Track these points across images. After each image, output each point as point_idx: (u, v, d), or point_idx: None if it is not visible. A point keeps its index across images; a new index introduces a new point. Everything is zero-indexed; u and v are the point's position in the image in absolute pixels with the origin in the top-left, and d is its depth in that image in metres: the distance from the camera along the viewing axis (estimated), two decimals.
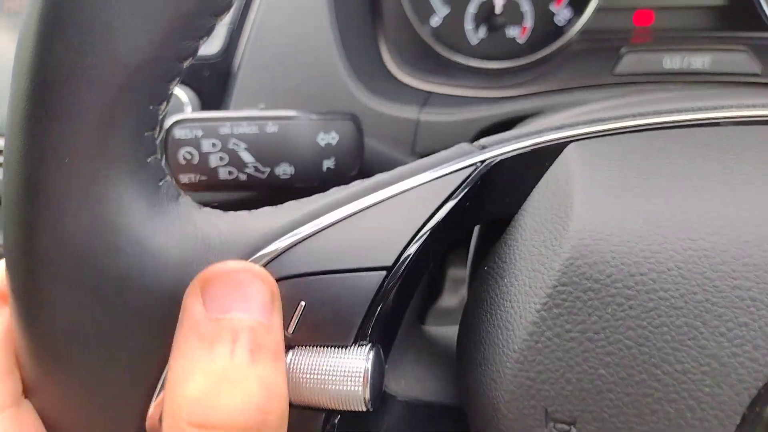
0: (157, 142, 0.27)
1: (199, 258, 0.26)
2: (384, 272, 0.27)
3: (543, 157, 0.30)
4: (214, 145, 0.39)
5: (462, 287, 0.58)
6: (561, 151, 0.30)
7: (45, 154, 0.24)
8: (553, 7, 0.60)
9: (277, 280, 0.27)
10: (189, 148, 0.39)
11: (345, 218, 0.28)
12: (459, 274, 0.58)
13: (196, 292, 0.25)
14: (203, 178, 0.40)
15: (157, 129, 0.26)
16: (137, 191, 0.25)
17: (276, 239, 0.27)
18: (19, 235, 0.25)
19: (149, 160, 0.26)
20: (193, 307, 0.25)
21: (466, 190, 0.29)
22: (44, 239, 0.25)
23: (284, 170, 0.40)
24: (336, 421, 0.27)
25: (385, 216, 0.28)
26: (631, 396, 0.23)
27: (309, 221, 0.27)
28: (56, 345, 0.26)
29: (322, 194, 0.29)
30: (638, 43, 0.59)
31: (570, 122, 0.31)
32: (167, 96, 0.26)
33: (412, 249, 0.27)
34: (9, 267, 0.26)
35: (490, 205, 0.32)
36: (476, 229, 0.41)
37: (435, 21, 0.61)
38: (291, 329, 0.26)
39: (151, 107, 0.25)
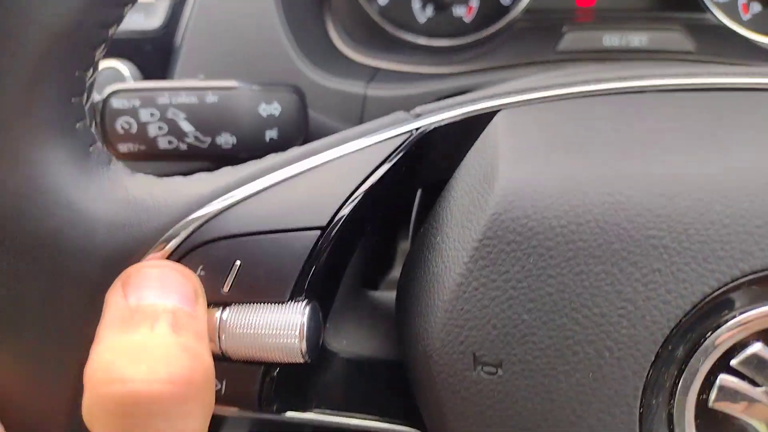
0: (86, 108, 0.27)
1: (130, 220, 0.26)
2: (318, 232, 0.27)
3: (475, 125, 0.31)
4: (152, 114, 0.39)
5: None
6: (492, 119, 0.31)
7: None
8: None
9: (212, 241, 0.27)
10: (127, 118, 0.39)
11: (280, 182, 0.28)
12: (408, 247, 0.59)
13: (116, 288, 0.25)
14: (142, 147, 0.39)
15: (85, 95, 0.26)
16: (66, 155, 0.25)
17: (210, 202, 0.27)
18: None
19: (78, 125, 0.26)
20: (114, 299, 0.25)
21: (400, 155, 0.30)
22: None
23: (226, 140, 0.40)
24: (275, 374, 0.28)
25: (320, 179, 0.28)
26: (553, 339, 0.24)
27: (243, 185, 0.28)
28: None
29: (257, 160, 0.29)
30: (580, 22, 0.60)
31: (501, 92, 0.32)
32: (93, 62, 0.26)
33: (346, 210, 0.28)
34: None
35: (426, 171, 0.33)
36: (418, 196, 0.42)
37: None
38: (227, 288, 0.27)
39: (77, 73, 0.25)
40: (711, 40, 0.57)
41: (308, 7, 0.56)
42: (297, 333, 0.26)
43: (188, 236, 0.26)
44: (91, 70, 0.26)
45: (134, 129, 0.39)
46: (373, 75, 0.55)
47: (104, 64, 0.48)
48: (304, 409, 0.31)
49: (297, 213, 0.27)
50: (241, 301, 0.27)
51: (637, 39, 0.57)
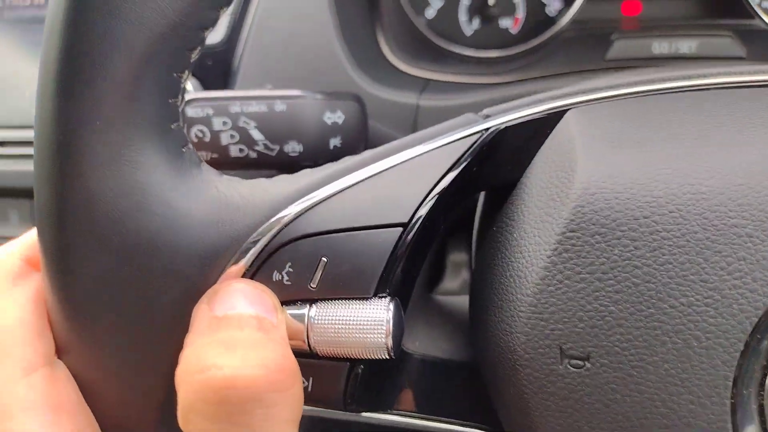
0: (180, 110, 0.28)
1: (222, 219, 0.27)
2: (400, 228, 0.28)
3: (544, 125, 0.32)
4: (225, 123, 0.40)
5: (462, 270, 0.59)
6: (561, 118, 0.31)
7: (76, 118, 0.25)
8: None
9: (299, 238, 0.28)
10: (201, 126, 0.40)
11: (360, 182, 0.29)
12: (459, 258, 0.60)
13: (203, 303, 0.27)
14: (215, 155, 0.41)
15: (179, 97, 0.28)
16: (163, 156, 0.27)
17: (294, 201, 0.28)
18: (51, 196, 0.26)
19: (173, 126, 0.27)
20: (201, 313, 0.26)
21: (472, 156, 0.30)
22: (75, 199, 0.26)
23: (293, 148, 0.41)
24: (359, 371, 0.28)
25: (399, 178, 0.29)
26: (640, 330, 0.25)
27: (325, 185, 0.29)
28: (87, 304, 0.27)
29: (334, 162, 0.30)
30: (628, 30, 0.61)
31: (569, 92, 0.33)
32: (189, 65, 0.27)
33: (424, 210, 0.28)
34: (40, 228, 0.27)
35: (496, 172, 0.33)
36: (480, 201, 0.42)
37: (430, 13, 0.63)
38: (315, 283, 0.28)
39: (174, 75, 0.26)
40: (762, 44, 0.57)
41: (361, 22, 0.58)
42: (384, 329, 0.27)
43: (276, 234, 0.27)
44: (186, 73, 0.27)
45: (208, 137, 0.41)
46: (425, 86, 0.56)
47: None
48: (381, 410, 0.31)
49: (379, 210, 0.28)
50: (327, 297, 0.28)
51: (687, 45, 0.57)
